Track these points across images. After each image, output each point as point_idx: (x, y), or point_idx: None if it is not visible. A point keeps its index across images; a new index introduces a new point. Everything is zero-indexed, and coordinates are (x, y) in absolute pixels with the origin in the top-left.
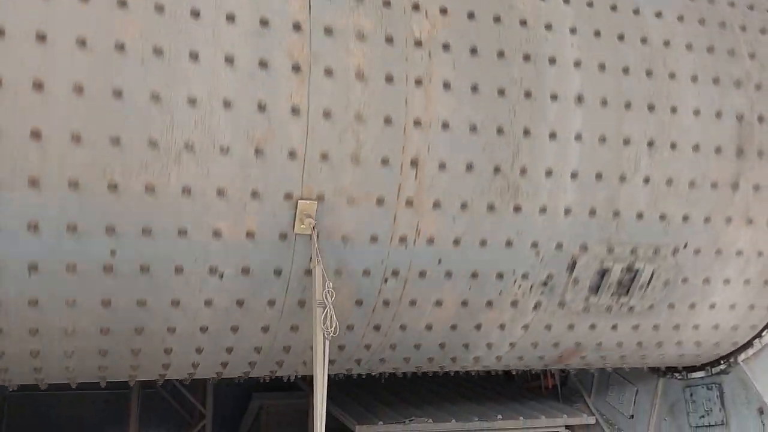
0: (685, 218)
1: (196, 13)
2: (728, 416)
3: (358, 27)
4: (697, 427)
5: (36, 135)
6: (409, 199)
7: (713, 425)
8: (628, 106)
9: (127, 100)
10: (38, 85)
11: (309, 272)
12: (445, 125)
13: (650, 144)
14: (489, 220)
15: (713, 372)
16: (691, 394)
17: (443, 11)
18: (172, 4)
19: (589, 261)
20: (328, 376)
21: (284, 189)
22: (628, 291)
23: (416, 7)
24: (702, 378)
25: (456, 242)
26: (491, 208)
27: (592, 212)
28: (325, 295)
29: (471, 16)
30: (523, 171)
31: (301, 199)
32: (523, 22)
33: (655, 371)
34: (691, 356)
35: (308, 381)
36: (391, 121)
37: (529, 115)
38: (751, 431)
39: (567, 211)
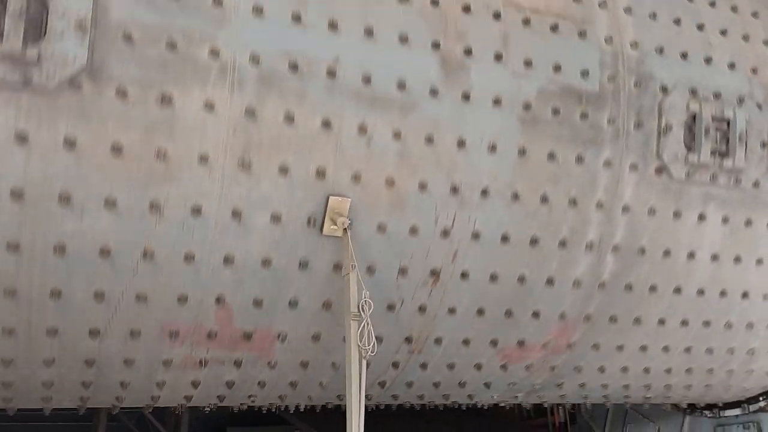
0: None
1: None
2: None
3: None
4: None
5: None
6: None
7: None
8: None
9: None
10: None
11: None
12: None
13: None
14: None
15: (751, 409)
16: None
17: None
18: None
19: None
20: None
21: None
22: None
23: None
24: (737, 416)
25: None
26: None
27: None
28: (361, 306)
29: None
30: None
31: (332, 195)
32: None
33: (679, 408)
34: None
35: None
36: None
37: None
38: None
39: None
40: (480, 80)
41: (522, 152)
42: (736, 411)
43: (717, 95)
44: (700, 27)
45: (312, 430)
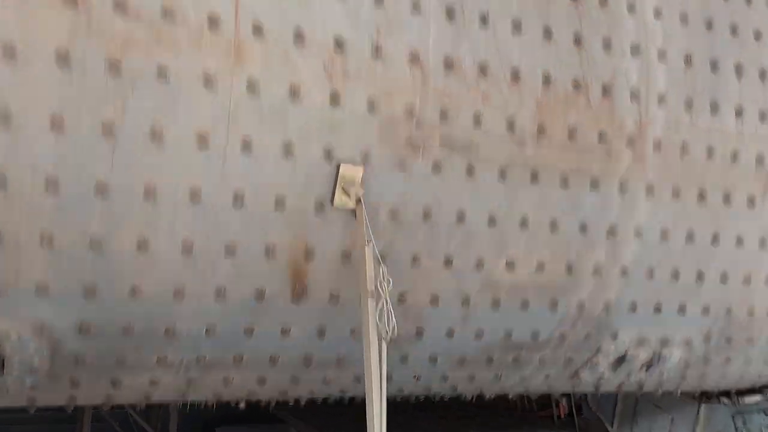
0: None
1: None
2: None
3: None
4: None
5: None
6: None
7: None
8: None
9: None
10: None
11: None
12: None
13: None
14: None
15: None
16: (744, 422)
17: None
18: None
19: None
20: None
21: None
22: None
23: None
24: (758, 403)
25: None
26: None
27: None
28: (380, 284)
29: None
30: None
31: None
32: None
33: (694, 396)
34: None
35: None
36: None
37: None
38: None
39: None
40: None
41: None
42: (757, 397)
43: None
44: None
45: (307, 426)
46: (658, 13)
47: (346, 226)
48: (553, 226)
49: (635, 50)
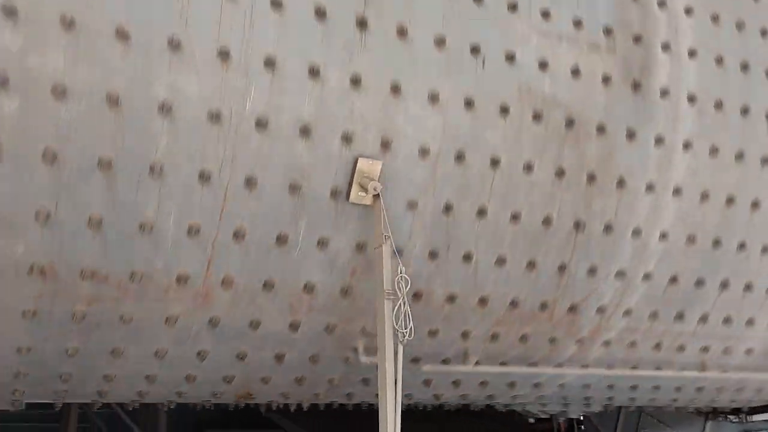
0: None
1: None
2: None
3: None
4: None
5: None
6: None
7: None
8: None
9: None
10: None
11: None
12: None
13: None
14: None
15: None
16: None
17: None
18: None
19: None
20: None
21: None
22: None
23: None
24: (766, 421)
25: None
26: None
27: None
28: (398, 283)
29: None
30: None
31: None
32: None
33: (701, 412)
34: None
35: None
36: None
37: None
38: None
39: None
40: None
41: None
42: (766, 416)
43: None
44: None
45: (300, 429)
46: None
47: None
48: None
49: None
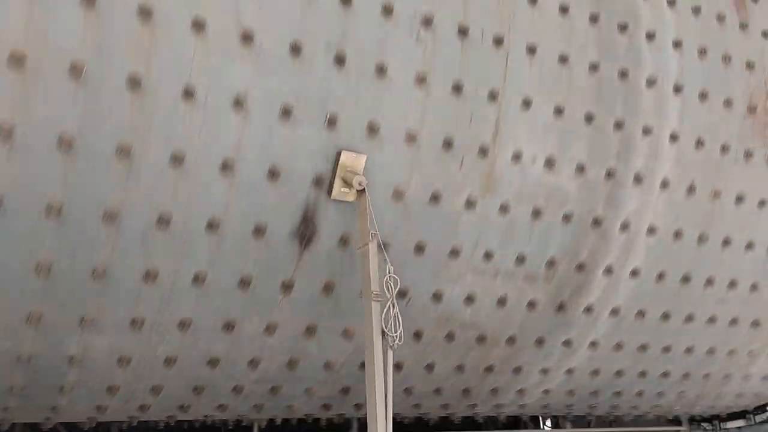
0: None
1: None
2: None
3: None
4: None
5: None
6: None
7: None
8: None
9: None
10: None
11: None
12: None
13: None
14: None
15: (757, 420)
16: None
17: None
18: None
19: None
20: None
21: None
22: None
23: None
24: (739, 428)
25: None
26: None
27: None
28: (386, 284)
29: None
30: None
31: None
32: None
33: (674, 422)
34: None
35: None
36: None
37: None
38: None
39: None
40: None
41: None
42: (740, 422)
43: None
44: None
45: None
46: None
47: None
48: None
49: None
